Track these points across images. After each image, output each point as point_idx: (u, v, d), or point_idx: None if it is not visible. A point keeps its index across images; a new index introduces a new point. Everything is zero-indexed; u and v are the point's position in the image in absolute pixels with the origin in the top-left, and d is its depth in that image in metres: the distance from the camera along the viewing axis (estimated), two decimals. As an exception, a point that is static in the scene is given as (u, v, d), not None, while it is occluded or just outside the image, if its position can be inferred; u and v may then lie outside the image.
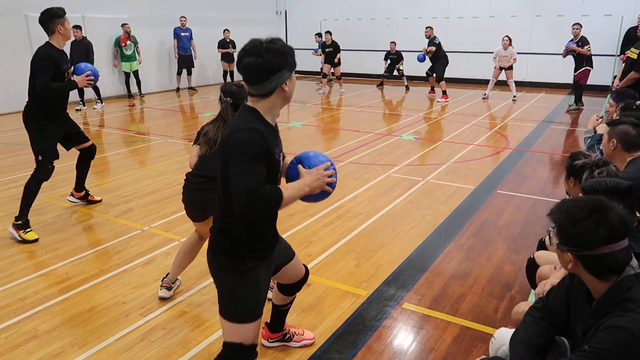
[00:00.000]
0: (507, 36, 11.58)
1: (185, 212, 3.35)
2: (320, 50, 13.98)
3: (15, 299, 3.38)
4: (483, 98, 12.17)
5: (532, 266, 2.85)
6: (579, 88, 10.52)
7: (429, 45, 12.17)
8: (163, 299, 3.34)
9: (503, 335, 2.14)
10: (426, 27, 12.39)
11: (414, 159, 6.84)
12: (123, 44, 11.83)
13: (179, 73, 13.71)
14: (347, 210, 4.93)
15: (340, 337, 2.94)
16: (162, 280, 3.41)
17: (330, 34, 13.60)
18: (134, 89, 12.68)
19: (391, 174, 6.03)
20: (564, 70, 13.46)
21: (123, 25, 11.84)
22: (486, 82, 14.90)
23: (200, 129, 3.31)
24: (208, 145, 3.17)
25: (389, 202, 5.13)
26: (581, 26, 10.32)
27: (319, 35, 15.16)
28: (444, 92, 12.02)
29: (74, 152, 5.06)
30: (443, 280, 3.60)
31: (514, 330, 2.16)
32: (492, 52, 12.19)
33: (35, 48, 4.41)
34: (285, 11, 18.03)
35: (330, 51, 13.42)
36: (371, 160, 6.62)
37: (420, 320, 3.12)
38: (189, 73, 13.81)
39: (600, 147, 3.69)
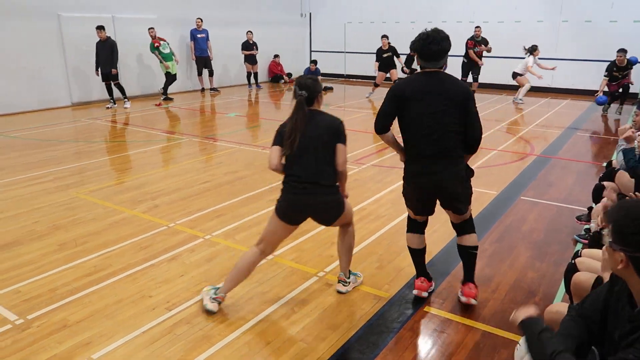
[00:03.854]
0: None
1: (279, 215, 3.18)
2: (375, 60, 12.83)
3: (46, 289, 3.50)
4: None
5: (572, 271, 2.81)
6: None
7: (481, 45, 12.29)
8: (210, 313, 3.18)
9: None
10: (476, 27, 12.49)
11: (437, 163, 6.81)
12: (157, 44, 12.03)
13: (200, 74, 13.87)
14: (369, 212, 4.95)
15: (362, 338, 2.96)
16: (215, 294, 3.22)
17: (387, 37, 12.67)
18: (157, 89, 12.90)
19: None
20: (591, 77, 13.25)
21: (149, 29, 12.01)
22: (514, 87, 14.71)
23: (279, 129, 3.18)
24: (290, 143, 3.07)
25: (411, 205, 5.13)
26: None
27: (386, 37, 13.40)
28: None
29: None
30: (465, 284, 3.59)
31: None
32: (518, 57, 12.09)
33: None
34: (310, 13, 18.13)
35: (388, 56, 12.57)
36: (394, 163, 6.62)
37: (441, 324, 3.12)
38: (210, 74, 13.94)
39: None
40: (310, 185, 3.06)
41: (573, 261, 2.83)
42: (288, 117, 3.12)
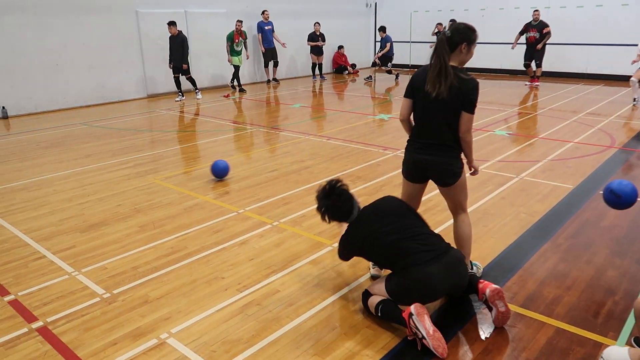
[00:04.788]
0: None
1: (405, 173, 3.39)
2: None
3: (129, 267, 3.76)
4: (634, 105, 9.92)
5: None
6: None
7: (543, 27, 12.01)
8: (374, 277, 3.47)
9: (614, 354, 2.00)
10: (534, 10, 12.18)
11: (508, 154, 6.58)
12: (236, 40, 12.43)
13: (266, 65, 14.16)
14: (436, 203, 4.88)
15: (429, 327, 2.94)
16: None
17: (441, 24, 12.84)
18: (225, 80, 13.32)
19: (483, 169, 5.86)
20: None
21: (238, 22, 12.39)
22: (592, 76, 13.90)
23: (412, 76, 3.21)
24: (433, 87, 3.01)
25: (480, 197, 5.01)
26: None
27: (440, 24, 14.92)
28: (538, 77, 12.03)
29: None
30: (537, 280, 3.47)
31: (625, 348, 2.02)
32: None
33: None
34: (376, 3, 17.95)
35: None
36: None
37: (512, 318, 3.03)
38: (275, 65, 14.20)
39: None
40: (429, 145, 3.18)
41: None
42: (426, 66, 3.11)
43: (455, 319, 3.03)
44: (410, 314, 2.70)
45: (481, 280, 3.00)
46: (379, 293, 2.96)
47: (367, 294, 3.05)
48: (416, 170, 3.32)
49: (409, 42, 17.25)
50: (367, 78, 15.02)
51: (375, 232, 2.96)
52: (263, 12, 13.57)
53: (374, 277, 3.50)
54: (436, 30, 15.43)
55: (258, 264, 3.77)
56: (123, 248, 4.08)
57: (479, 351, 2.75)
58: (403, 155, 3.44)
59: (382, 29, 14.31)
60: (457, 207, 3.38)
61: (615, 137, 7.39)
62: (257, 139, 8.01)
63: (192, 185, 5.64)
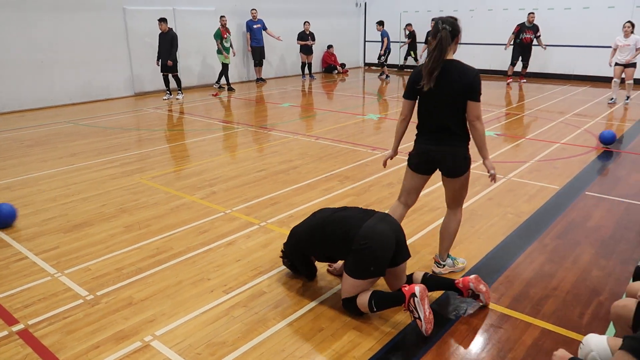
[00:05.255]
0: (629, 22, 9.83)
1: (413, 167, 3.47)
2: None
3: (114, 268, 3.70)
4: (609, 103, 10.32)
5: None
6: None
7: (537, 32, 12.68)
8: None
9: (593, 341, 2.05)
10: (529, 13, 12.72)
11: (496, 155, 6.62)
12: (224, 37, 12.33)
13: (256, 65, 14.09)
14: (424, 204, 4.88)
15: (416, 330, 2.93)
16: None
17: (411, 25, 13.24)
18: (214, 80, 13.24)
19: (471, 170, 5.85)
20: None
21: (221, 17, 12.32)
22: (575, 77, 14.10)
23: (411, 77, 3.23)
24: (437, 81, 3.07)
25: (468, 198, 4.98)
26: None
27: (410, 25, 15.32)
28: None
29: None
30: (524, 280, 3.48)
31: (604, 337, 2.07)
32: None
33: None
34: (365, 3, 17.95)
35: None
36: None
37: (498, 319, 3.05)
38: (260, 64, 14.10)
39: None
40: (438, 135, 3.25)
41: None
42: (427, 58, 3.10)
43: (440, 323, 3.03)
44: (413, 295, 2.81)
45: (456, 281, 3.10)
46: (349, 287, 2.99)
47: (347, 301, 3.03)
48: (426, 161, 3.37)
49: (398, 42, 17.27)
50: (384, 76, 14.90)
51: (322, 218, 3.19)
52: (251, 10, 13.50)
53: None
54: (407, 32, 15.51)
55: (245, 265, 3.74)
56: (107, 249, 4.02)
57: (466, 352, 2.75)
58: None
59: (380, 23, 14.49)
60: (455, 200, 3.47)
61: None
62: (245, 138, 7.96)
63: (179, 185, 5.59)
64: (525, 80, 13.64)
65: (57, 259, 3.85)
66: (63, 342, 2.85)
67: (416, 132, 3.41)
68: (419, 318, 2.81)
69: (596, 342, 2.01)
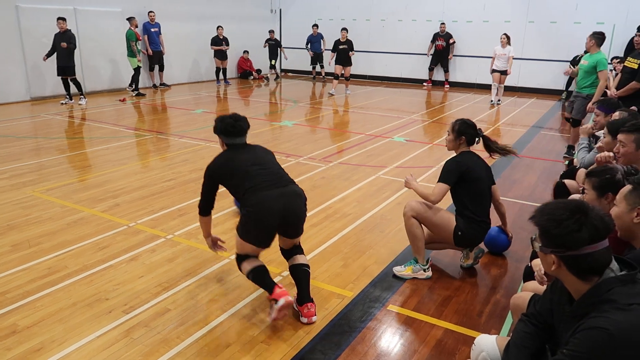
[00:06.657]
0: (504, 34, 11.60)
1: None
2: (330, 51, 13.22)
3: (-4, 293, 3.33)
4: (492, 104, 11.94)
5: (529, 274, 2.84)
6: None
7: (449, 39, 14.26)
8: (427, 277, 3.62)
9: (483, 342, 2.14)
10: (441, 24, 14.32)
11: (405, 160, 6.85)
12: (139, 39, 11.68)
13: (152, 69, 13.50)
14: (335, 210, 4.92)
15: (324, 338, 2.93)
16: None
17: (347, 31, 12.86)
18: (123, 84, 12.57)
19: (381, 176, 6.03)
20: (555, 77, 13.61)
21: (131, 19, 11.68)
22: (479, 86, 15.07)
23: (465, 168, 3.75)
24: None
25: (377, 203, 5.13)
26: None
27: (316, 26, 15.58)
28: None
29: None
30: (429, 282, 3.60)
31: (494, 336, 2.17)
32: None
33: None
34: (280, 9, 17.99)
35: (344, 48, 12.71)
36: (361, 161, 6.62)
37: (404, 322, 3.11)
38: (161, 69, 13.60)
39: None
40: None
41: (529, 264, 2.86)
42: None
43: (342, 333, 3.04)
44: (276, 301, 2.89)
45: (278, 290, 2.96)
46: (237, 242, 3.10)
47: (237, 257, 3.16)
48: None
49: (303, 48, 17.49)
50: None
51: (240, 160, 3.24)
52: (149, 13, 12.93)
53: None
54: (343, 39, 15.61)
55: (148, 281, 3.53)
56: (-11, 271, 3.62)
57: (372, 358, 2.77)
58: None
59: (316, 25, 15.23)
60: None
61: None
62: (154, 146, 7.60)
63: (77, 197, 5.18)
64: (447, 86, 15.00)
65: None
66: None
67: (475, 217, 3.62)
68: (270, 313, 2.94)
69: (486, 342, 2.10)
